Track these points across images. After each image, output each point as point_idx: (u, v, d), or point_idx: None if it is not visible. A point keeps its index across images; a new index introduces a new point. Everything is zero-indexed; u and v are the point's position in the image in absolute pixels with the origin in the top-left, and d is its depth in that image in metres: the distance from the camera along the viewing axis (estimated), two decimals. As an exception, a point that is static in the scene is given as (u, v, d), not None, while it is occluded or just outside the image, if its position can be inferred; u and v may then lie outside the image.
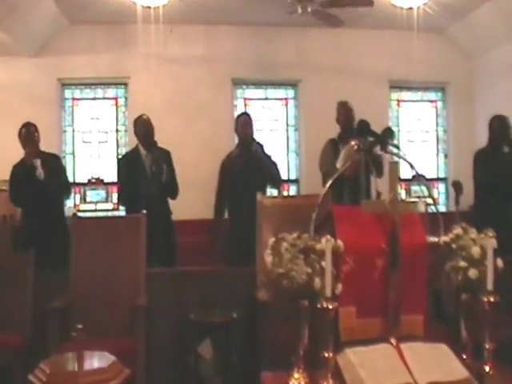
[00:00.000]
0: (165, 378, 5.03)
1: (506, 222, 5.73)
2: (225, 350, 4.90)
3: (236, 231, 6.24)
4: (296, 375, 2.78)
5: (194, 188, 6.63)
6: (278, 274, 2.76)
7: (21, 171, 5.98)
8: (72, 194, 7.04)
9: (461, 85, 9.60)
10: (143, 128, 6.40)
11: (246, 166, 6.31)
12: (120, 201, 6.71)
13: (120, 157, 6.70)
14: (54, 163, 6.26)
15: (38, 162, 5.95)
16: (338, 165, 5.81)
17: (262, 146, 6.55)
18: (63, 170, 6.55)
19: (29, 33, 8.11)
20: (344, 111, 6.56)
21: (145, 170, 6.27)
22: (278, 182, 6.67)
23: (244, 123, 6.60)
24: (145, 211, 5.15)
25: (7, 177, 6.19)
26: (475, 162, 6.58)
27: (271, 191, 6.64)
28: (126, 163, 6.47)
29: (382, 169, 5.73)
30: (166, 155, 6.39)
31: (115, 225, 5.24)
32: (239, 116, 6.86)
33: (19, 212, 6.55)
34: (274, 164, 6.59)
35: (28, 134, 6.11)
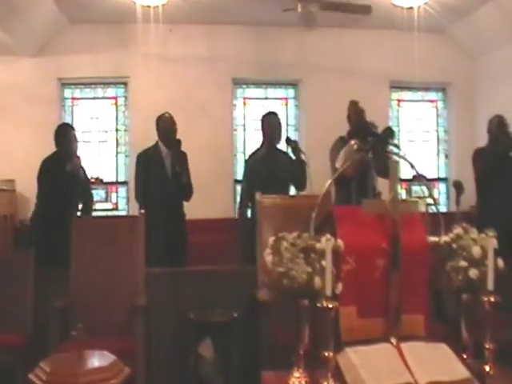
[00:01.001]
0: (165, 378, 5.03)
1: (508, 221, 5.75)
2: (225, 350, 4.90)
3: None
4: (296, 375, 2.77)
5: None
6: (279, 273, 2.75)
7: (59, 172, 6.02)
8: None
9: (462, 85, 9.60)
10: (166, 126, 6.39)
11: (272, 166, 6.29)
12: (136, 198, 6.70)
13: (138, 153, 6.70)
14: (83, 174, 6.39)
15: (80, 173, 6.04)
16: (338, 164, 5.82)
17: (297, 144, 6.51)
18: (87, 178, 6.58)
19: (29, 32, 8.11)
20: (355, 111, 6.51)
21: (165, 169, 6.27)
22: (300, 185, 6.58)
23: (273, 124, 6.55)
24: (143, 211, 5.17)
25: (7, 176, 6.19)
26: (474, 158, 6.65)
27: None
28: (146, 160, 6.43)
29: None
30: (183, 157, 6.39)
31: (115, 224, 5.23)
32: (267, 115, 6.77)
33: (33, 211, 6.48)
34: (302, 165, 6.53)
35: (75, 139, 6.18)
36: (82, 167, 6.37)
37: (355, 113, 6.50)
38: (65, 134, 6.21)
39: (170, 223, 5.96)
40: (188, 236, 6.44)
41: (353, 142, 5.93)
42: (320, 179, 6.18)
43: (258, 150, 6.64)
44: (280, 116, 6.79)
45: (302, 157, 6.38)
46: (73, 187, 6.04)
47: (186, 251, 6.35)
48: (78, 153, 6.32)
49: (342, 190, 5.67)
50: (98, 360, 3.16)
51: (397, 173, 3.15)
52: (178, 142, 6.32)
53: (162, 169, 6.28)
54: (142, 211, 5.16)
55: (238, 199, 6.66)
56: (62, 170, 6.01)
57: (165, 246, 5.76)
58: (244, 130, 9.38)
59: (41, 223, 6.15)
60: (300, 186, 6.47)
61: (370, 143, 5.76)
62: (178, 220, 6.29)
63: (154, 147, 6.45)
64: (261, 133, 6.68)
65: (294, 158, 6.43)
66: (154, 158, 6.34)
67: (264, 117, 6.72)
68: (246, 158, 6.99)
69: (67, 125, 6.33)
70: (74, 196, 6.08)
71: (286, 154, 6.52)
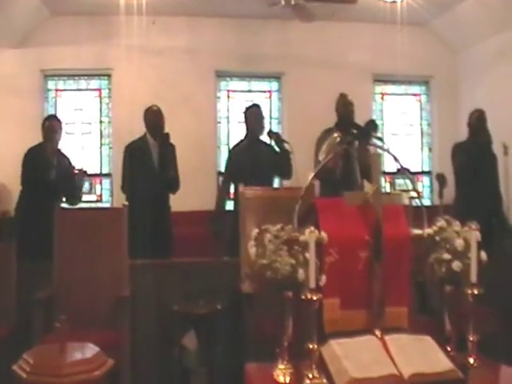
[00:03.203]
0: (149, 370, 5.02)
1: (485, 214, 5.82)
2: (209, 342, 4.89)
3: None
4: (281, 366, 2.78)
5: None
6: (262, 265, 2.75)
7: (38, 162, 6.03)
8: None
9: (445, 78, 9.63)
10: (153, 118, 6.40)
11: (256, 157, 6.30)
12: (122, 189, 6.67)
13: (127, 144, 6.66)
14: (67, 165, 6.35)
15: (54, 163, 6.00)
16: (321, 157, 5.83)
17: (279, 135, 6.51)
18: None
19: (11, 24, 8.04)
20: (344, 104, 6.52)
21: (152, 161, 6.28)
22: (285, 173, 6.54)
23: (256, 115, 6.57)
24: (126, 203, 5.16)
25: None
26: (453, 152, 6.70)
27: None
28: (133, 151, 6.43)
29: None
30: (171, 149, 6.40)
31: (98, 216, 5.21)
32: (250, 107, 6.77)
33: (17, 202, 6.44)
34: (287, 154, 6.51)
35: (53, 129, 6.16)
36: (65, 158, 6.38)
37: (343, 106, 6.51)
38: (48, 125, 6.19)
39: (156, 215, 5.96)
40: (172, 228, 6.44)
41: (336, 134, 5.95)
42: (304, 171, 6.23)
43: (241, 141, 6.66)
44: (263, 108, 6.80)
45: (286, 146, 6.41)
46: (53, 177, 6.02)
47: (170, 243, 6.36)
48: (60, 145, 6.32)
49: (327, 184, 5.69)
50: (81, 352, 3.17)
51: (379, 165, 3.16)
52: (167, 135, 6.35)
53: (148, 161, 6.29)
54: (126, 203, 5.15)
55: (220, 190, 6.64)
56: (44, 161, 6.00)
57: (150, 238, 5.76)
58: (228, 122, 9.37)
59: (22, 213, 6.12)
60: (285, 175, 6.48)
61: (352, 135, 5.78)
62: (164, 212, 6.30)
63: (142, 139, 6.47)
64: (244, 125, 6.69)
65: (277, 149, 6.44)
66: (142, 149, 6.35)
67: (247, 109, 6.74)
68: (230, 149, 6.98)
69: (52, 116, 6.29)
70: (55, 186, 6.04)
71: (269, 145, 6.53)
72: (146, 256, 5.30)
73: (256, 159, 6.28)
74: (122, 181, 6.53)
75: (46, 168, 5.99)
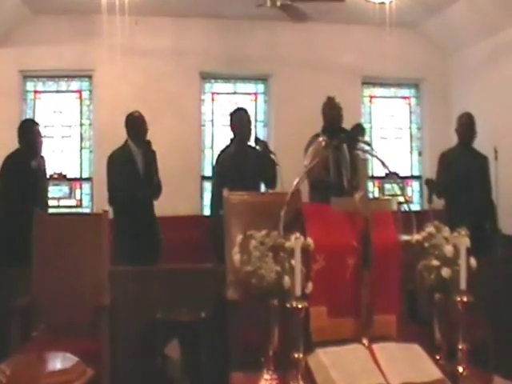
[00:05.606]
0: (131, 380, 4.97)
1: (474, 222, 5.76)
2: (193, 351, 4.86)
3: None
4: (266, 376, 2.75)
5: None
6: (247, 272, 2.74)
7: (22, 170, 5.93)
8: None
9: (435, 81, 9.62)
10: (137, 125, 6.29)
11: (243, 163, 6.20)
12: (113, 201, 6.42)
13: (110, 154, 6.52)
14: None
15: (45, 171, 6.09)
16: (306, 162, 5.79)
17: (266, 144, 6.45)
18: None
19: (-11, 22, 7.96)
20: (331, 107, 6.45)
21: (137, 168, 6.20)
22: (270, 182, 6.47)
23: (242, 120, 6.46)
24: (107, 208, 5.15)
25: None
26: (440, 163, 6.63)
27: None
28: (118, 160, 6.28)
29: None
30: (153, 155, 6.33)
31: (78, 222, 5.16)
32: (236, 111, 6.67)
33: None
34: (273, 163, 6.46)
35: (39, 135, 6.12)
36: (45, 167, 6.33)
37: (331, 110, 6.44)
38: (28, 131, 6.10)
39: (144, 223, 5.90)
40: (161, 235, 6.37)
41: (321, 138, 5.91)
42: (290, 177, 6.16)
43: (228, 147, 6.56)
44: (249, 111, 6.71)
45: (272, 157, 6.34)
46: (36, 185, 5.94)
47: (159, 251, 6.31)
48: (43, 151, 6.25)
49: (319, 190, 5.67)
50: (59, 362, 3.14)
51: (366, 171, 3.14)
52: (149, 142, 6.29)
53: (134, 168, 6.20)
54: (106, 209, 5.11)
55: (210, 197, 6.52)
56: (26, 168, 5.91)
57: (139, 246, 5.71)
58: (212, 125, 9.33)
59: (3, 222, 6.02)
60: (270, 183, 6.41)
61: (338, 139, 5.74)
62: (152, 219, 6.26)
63: (124, 147, 6.34)
64: (230, 129, 6.59)
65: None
66: (126, 157, 6.25)
67: (233, 113, 6.64)
68: (216, 155, 6.88)
69: (31, 120, 6.21)
70: (37, 194, 5.96)
71: (256, 150, 6.45)
72: (134, 264, 5.24)
73: (243, 166, 6.19)
74: (110, 193, 6.33)
75: (34, 175, 5.94)
